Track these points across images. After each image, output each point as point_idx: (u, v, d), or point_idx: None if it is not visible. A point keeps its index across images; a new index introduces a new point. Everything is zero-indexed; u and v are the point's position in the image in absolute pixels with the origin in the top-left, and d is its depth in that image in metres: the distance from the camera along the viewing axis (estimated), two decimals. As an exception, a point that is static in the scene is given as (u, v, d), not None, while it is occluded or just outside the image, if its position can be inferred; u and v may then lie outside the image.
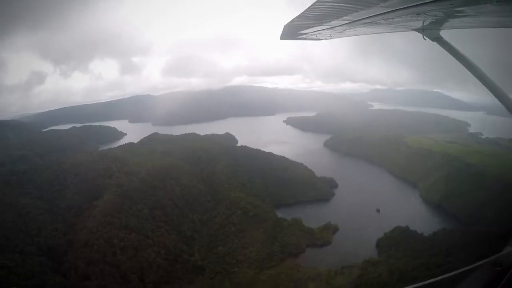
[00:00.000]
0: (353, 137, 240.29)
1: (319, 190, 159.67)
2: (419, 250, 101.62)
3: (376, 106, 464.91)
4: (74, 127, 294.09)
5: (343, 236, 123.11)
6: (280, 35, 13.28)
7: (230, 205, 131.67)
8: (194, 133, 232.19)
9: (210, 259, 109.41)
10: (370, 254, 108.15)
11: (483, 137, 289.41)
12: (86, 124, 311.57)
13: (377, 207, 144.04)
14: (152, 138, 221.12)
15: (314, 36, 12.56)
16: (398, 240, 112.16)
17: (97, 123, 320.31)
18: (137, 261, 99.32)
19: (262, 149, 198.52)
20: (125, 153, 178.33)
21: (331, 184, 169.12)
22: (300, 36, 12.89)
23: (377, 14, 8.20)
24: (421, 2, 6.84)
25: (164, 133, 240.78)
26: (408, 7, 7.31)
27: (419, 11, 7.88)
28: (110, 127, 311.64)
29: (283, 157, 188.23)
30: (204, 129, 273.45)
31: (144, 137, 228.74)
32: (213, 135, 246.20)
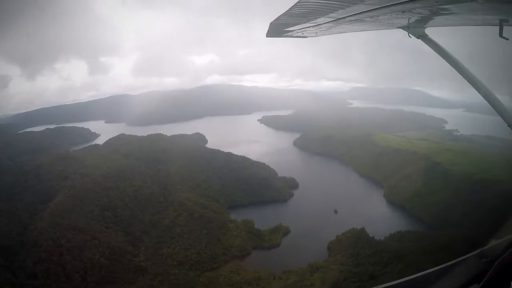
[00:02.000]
0: (323, 136, 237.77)
1: (277, 191, 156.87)
2: (364, 256, 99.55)
3: (356, 104, 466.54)
4: (48, 128, 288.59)
5: (294, 238, 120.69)
6: (266, 32, 12.64)
7: (178, 206, 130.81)
8: (160, 133, 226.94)
9: (154, 260, 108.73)
10: (319, 257, 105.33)
11: (458, 134, 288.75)
12: (60, 126, 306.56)
13: (336, 208, 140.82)
14: (118, 139, 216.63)
15: (300, 34, 12.43)
16: (348, 244, 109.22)
17: (73, 124, 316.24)
18: (82, 261, 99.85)
19: (230, 149, 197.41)
20: (86, 155, 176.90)
21: (291, 184, 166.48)
22: (286, 34, 12.58)
23: (363, 12, 8.09)
24: (406, 0, 6.66)
25: (138, 133, 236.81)
26: (393, 4, 7.15)
27: (404, 9, 7.73)
28: (84, 128, 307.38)
29: (243, 157, 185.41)
30: (178, 128, 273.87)
31: (109, 138, 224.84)
32: (181, 135, 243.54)
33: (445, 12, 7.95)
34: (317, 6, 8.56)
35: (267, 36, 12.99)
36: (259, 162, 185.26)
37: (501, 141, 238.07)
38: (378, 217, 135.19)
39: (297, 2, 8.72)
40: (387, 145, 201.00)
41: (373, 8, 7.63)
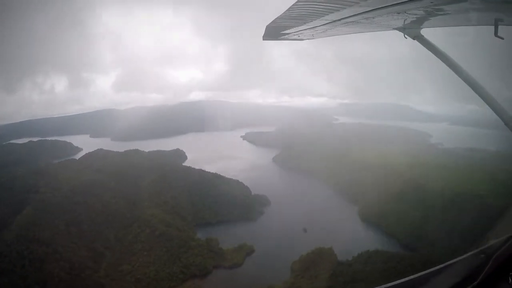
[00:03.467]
0: (302, 152, 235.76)
1: (247, 209, 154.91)
2: (322, 279, 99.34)
3: (342, 120, 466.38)
4: (30, 141, 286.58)
5: (258, 258, 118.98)
6: (262, 35, 13.01)
7: (142, 223, 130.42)
8: (137, 149, 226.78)
9: (114, 277, 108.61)
10: (281, 278, 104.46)
11: (442, 147, 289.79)
12: (42, 139, 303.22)
13: (306, 226, 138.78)
14: (95, 154, 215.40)
15: (296, 36, 12.59)
16: (309, 265, 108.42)
17: (57, 138, 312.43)
18: (42, 274, 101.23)
19: (207, 165, 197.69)
20: (60, 169, 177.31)
21: (263, 202, 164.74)
22: (282, 36, 12.80)
23: (358, 13, 8.22)
24: (402, 1, 6.82)
25: (123, 148, 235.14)
26: (388, 5, 7.32)
27: (399, 10, 7.90)
28: (67, 142, 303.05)
29: (216, 174, 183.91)
30: (161, 144, 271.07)
31: (86, 153, 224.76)
32: (159, 151, 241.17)
33: (441, 13, 8.13)
34: (313, 9, 8.75)
35: (263, 39, 13.36)
36: (233, 179, 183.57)
37: (482, 152, 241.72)
38: (350, 235, 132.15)
39: (293, 5, 8.91)
40: (365, 161, 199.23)
41: (369, 9, 7.79)
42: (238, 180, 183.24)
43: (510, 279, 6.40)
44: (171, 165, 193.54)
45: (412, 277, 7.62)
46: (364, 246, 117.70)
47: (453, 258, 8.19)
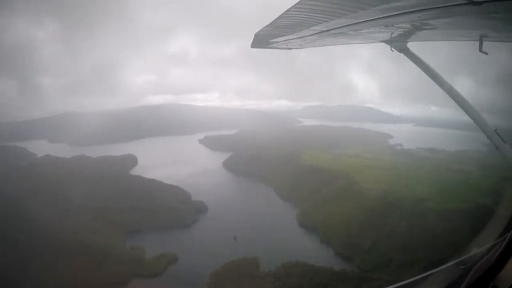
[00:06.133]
0: (251, 156, 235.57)
1: (180, 216, 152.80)
2: None
3: (306, 122, 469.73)
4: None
5: (181, 266, 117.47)
6: (250, 43, 12.92)
7: (66, 230, 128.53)
8: (84, 155, 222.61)
9: (38, 285, 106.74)
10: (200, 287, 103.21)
11: (400, 148, 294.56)
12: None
13: (240, 233, 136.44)
14: (40, 161, 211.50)
15: (284, 45, 12.67)
16: (226, 275, 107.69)
17: (14, 143, 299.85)
18: None
19: (156, 171, 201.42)
20: None
21: (200, 209, 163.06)
22: (270, 45, 12.81)
23: (346, 25, 8.29)
24: (389, 15, 6.99)
25: (77, 154, 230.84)
26: (376, 18, 7.40)
27: (387, 23, 8.02)
28: (22, 147, 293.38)
29: (154, 180, 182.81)
30: (118, 149, 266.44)
31: (34, 160, 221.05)
32: (107, 157, 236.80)
33: (427, 27, 8.24)
34: (302, 19, 8.74)
35: (252, 47, 13.46)
36: (173, 185, 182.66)
37: (442, 153, 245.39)
38: (283, 243, 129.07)
39: (282, 14, 8.89)
40: (311, 164, 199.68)
41: (357, 22, 7.81)
42: (178, 186, 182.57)
43: None
44: (112, 171, 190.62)
45: (392, 287, 7.57)
46: (294, 255, 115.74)
47: (430, 269, 8.17)
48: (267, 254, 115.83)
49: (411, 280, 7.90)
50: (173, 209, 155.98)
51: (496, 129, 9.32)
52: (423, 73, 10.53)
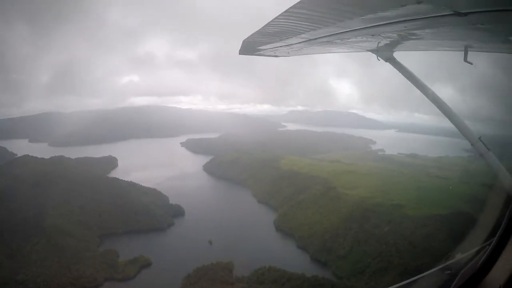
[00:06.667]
0: (231, 159, 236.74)
1: (156, 219, 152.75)
2: None
3: (289, 127, 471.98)
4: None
5: (154, 271, 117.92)
6: (238, 50, 12.68)
7: (41, 232, 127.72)
8: (62, 155, 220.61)
9: (9, 287, 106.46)
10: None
11: (382, 153, 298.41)
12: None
13: (216, 237, 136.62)
14: (18, 161, 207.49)
15: (272, 53, 12.58)
16: (198, 279, 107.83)
17: None
18: None
19: (136, 173, 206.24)
20: None
21: (176, 212, 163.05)
22: (258, 52, 12.70)
23: (334, 34, 8.32)
24: (376, 24, 7.07)
25: (56, 154, 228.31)
26: (363, 28, 7.48)
27: (374, 33, 8.06)
28: (1, 147, 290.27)
29: (131, 182, 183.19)
30: (98, 150, 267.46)
31: (11, 159, 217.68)
32: (87, 158, 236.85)
33: (413, 37, 8.31)
34: (290, 27, 8.65)
35: (240, 54, 13.12)
36: (151, 188, 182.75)
37: (423, 159, 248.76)
38: (259, 247, 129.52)
39: (270, 21, 8.82)
40: (289, 168, 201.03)
41: (344, 31, 7.86)
42: (155, 189, 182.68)
43: None
44: (91, 173, 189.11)
45: None
46: (270, 260, 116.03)
47: (415, 274, 8.29)
48: (243, 259, 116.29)
49: (398, 285, 8.02)
50: (149, 212, 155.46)
51: (480, 137, 9.52)
52: (407, 81, 10.78)
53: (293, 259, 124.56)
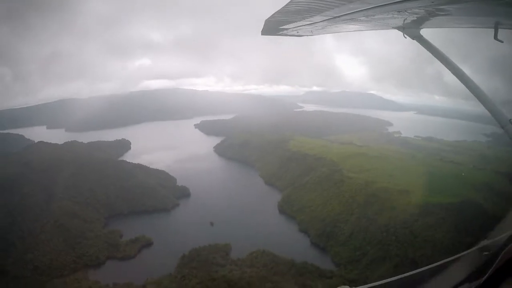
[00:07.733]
0: (242, 141, 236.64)
1: (161, 200, 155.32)
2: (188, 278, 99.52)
3: (306, 108, 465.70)
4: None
5: (154, 250, 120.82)
6: (261, 30, 12.99)
7: (50, 214, 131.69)
8: (75, 140, 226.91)
9: (18, 265, 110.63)
10: (166, 272, 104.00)
11: (398, 136, 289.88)
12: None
13: (219, 219, 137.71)
14: (35, 147, 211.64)
15: (295, 32, 12.57)
16: (192, 259, 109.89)
17: (11, 130, 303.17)
18: None
19: (147, 156, 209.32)
20: None
21: (182, 194, 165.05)
22: (281, 32, 12.75)
23: (358, 11, 8.13)
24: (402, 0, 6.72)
25: (78, 139, 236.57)
26: (389, 3, 7.22)
27: (400, 9, 7.86)
28: (19, 134, 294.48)
29: (138, 164, 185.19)
30: (113, 134, 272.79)
31: (27, 146, 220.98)
32: (99, 142, 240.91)
33: (441, 13, 8.16)
34: (313, 4, 8.69)
35: (262, 34, 13.41)
36: (159, 170, 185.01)
37: (439, 142, 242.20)
38: (259, 230, 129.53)
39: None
40: (298, 150, 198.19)
41: (369, 7, 7.70)
42: (164, 171, 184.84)
43: None
44: (98, 158, 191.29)
45: (412, 272, 7.59)
46: (269, 243, 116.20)
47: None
48: (242, 241, 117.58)
49: (432, 265, 7.87)
50: (155, 194, 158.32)
51: (511, 119, 9.26)
52: (429, 62, 10.75)
53: (294, 242, 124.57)
